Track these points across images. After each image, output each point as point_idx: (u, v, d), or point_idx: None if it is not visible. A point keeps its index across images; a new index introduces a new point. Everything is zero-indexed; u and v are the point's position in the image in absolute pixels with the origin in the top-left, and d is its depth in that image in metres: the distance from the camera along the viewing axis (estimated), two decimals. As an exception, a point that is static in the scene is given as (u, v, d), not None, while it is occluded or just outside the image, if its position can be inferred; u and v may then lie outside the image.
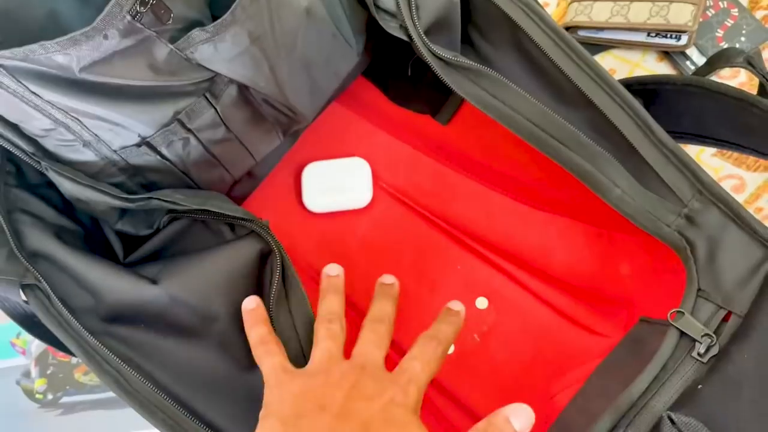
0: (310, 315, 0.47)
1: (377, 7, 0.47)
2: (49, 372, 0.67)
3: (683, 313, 0.42)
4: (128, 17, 0.37)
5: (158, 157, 0.48)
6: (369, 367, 0.43)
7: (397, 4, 0.46)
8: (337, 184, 0.64)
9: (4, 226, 0.45)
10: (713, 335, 0.41)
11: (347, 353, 0.45)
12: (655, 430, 0.38)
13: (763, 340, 0.39)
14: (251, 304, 0.47)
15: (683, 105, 0.53)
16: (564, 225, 0.60)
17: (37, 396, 0.67)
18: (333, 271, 0.50)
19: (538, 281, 0.60)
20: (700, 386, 0.39)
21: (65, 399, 0.67)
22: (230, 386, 0.46)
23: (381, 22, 0.47)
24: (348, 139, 0.67)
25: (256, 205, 0.64)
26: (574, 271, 0.59)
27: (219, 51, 0.43)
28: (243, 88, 0.49)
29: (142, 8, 0.37)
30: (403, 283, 0.62)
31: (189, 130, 0.48)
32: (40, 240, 0.46)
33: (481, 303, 0.61)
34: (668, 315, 0.43)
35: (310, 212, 0.65)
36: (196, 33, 0.41)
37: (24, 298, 0.45)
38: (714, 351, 0.40)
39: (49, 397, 0.66)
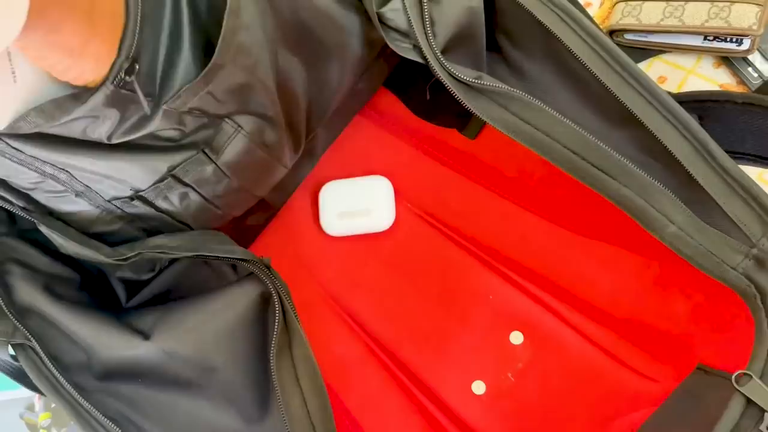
0: (314, 365, 0.43)
1: (385, 25, 0.41)
2: (53, 406, 0.65)
3: (751, 376, 0.36)
4: (111, 87, 0.33)
5: (153, 209, 0.45)
6: None
7: (409, 20, 0.39)
8: (357, 205, 0.59)
9: None
10: (788, 408, 0.35)
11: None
12: None
13: None
14: None
15: (744, 124, 0.46)
16: (607, 252, 0.54)
17: (41, 431, 0.65)
18: None
19: (580, 314, 0.54)
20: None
21: (69, 434, 0.65)
22: None
23: (391, 44, 0.41)
24: (369, 154, 0.62)
25: (272, 232, 0.61)
26: (619, 304, 0.53)
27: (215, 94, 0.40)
28: (251, 137, 0.45)
29: (128, 77, 0.34)
30: (430, 314, 0.57)
31: (186, 185, 0.45)
32: (30, 294, 0.43)
33: (516, 338, 0.55)
34: (733, 378, 0.37)
35: (329, 236, 0.60)
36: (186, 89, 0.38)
37: (12, 352, 0.43)
38: (789, 428, 0.34)
39: (53, 431, 0.64)
